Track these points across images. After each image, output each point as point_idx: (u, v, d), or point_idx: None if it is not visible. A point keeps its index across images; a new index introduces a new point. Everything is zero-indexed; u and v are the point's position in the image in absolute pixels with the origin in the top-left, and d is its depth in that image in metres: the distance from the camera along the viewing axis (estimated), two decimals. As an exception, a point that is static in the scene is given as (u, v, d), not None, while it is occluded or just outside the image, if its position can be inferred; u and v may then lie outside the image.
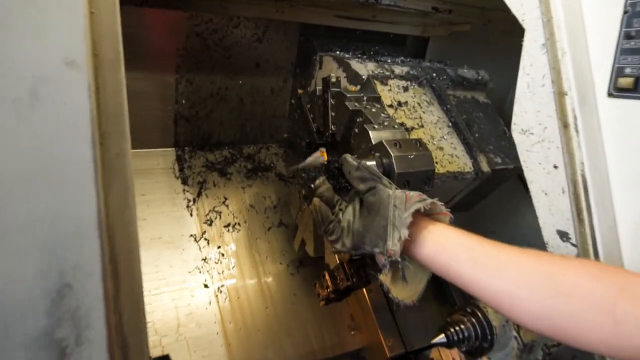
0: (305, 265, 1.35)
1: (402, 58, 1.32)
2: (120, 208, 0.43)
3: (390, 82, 1.13)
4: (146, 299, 1.14)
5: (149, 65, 1.21)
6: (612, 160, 0.69)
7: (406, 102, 1.11)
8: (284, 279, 1.31)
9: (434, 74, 1.22)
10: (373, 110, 0.97)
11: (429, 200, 0.69)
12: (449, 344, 1.02)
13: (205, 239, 1.27)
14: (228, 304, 1.21)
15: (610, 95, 0.68)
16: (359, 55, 1.26)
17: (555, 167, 0.76)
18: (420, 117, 1.10)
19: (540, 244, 1.58)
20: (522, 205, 1.63)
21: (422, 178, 0.85)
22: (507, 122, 1.32)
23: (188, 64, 1.25)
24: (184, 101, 1.29)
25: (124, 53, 1.14)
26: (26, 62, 0.38)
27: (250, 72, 1.34)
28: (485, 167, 1.11)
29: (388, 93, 1.10)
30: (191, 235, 1.26)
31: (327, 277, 0.97)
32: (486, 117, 1.26)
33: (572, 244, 0.75)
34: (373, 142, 0.89)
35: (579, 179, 0.70)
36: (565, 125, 0.72)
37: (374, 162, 0.83)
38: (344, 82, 1.14)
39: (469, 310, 1.04)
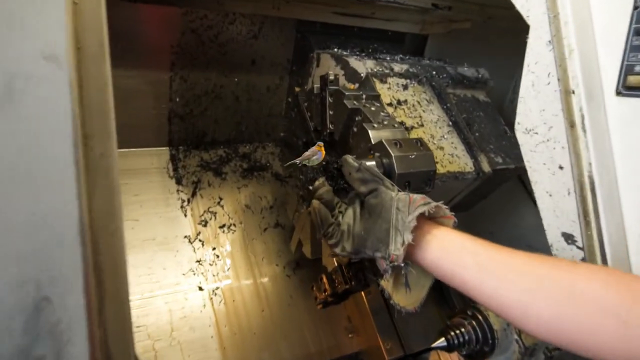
0: (302, 266, 1.32)
1: (401, 56, 1.30)
2: (105, 213, 0.40)
3: (390, 80, 1.10)
4: (139, 302, 1.12)
5: (142, 62, 1.18)
6: (620, 161, 0.67)
7: (406, 101, 1.09)
8: (281, 280, 1.29)
9: (434, 72, 1.20)
10: (372, 108, 0.95)
11: (434, 204, 0.67)
12: (449, 348, 1.00)
13: (200, 240, 1.25)
14: (223, 306, 1.18)
15: (619, 94, 0.65)
16: (357, 53, 1.23)
17: (561, 167, 0.74)
18: (420, 116, 1.08)
19: (539, 245, 1.57)
20: (521, 206, 1.62)
21: (423, 179, 0.83)
22: (507, 122, 1.31)
23: (182, 61, 1.22)
24: (178, 99, 1.26)
25: (117, 50, 1.12)
26: (0, 56, 0.35)
27: (246, 70, 1.31)
28: (486, 167, 1.09)
29: (387, 91, 1.08)
30: (185, 237, 1.24)
31: (324, 280, 0.94)
32: (486, 116, 1.24)
33: (578, 247, 0.72)
34: (372, 142, 0.86)
35: (586, 180, 0.68)
36: (571, 125, 0.69)
37: (373, 163, 0.80)
38: (342, 80, 1.11)
39: (469, 313, 1.02)
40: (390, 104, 1.06)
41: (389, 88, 1.09)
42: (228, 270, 1.24)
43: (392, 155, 0.80)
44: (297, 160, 0.92)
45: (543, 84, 0.75)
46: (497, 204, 1.50)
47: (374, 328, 1.20)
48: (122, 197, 1.20)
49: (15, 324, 0.33)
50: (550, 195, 0.76)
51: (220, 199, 1.32)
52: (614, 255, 0.66)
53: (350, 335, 1.28)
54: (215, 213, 1.30)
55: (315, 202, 0.78)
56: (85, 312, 0.36)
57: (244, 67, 1.30)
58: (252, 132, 1.43)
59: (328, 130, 0.99)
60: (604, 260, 0.67)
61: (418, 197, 0.67)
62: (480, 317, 1.00)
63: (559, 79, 0.70)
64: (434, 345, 0.99)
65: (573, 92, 0.69)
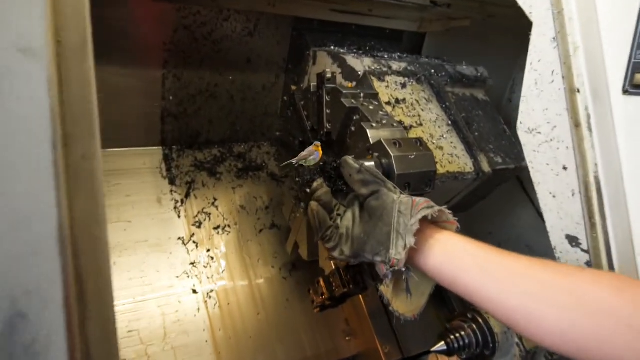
0: (299, 268, 1.30)
1: (399, 54, 1.28)
2: (87, 219, 0.37)
3: (388, 78, 1.08)
4: (131, 306, 1.09)
5: (134, 60, 1.15)
6: (626, 161, 0.65)
7: (404, 100, 1.06)
8: (277, 283, 1.26)
9: (433, 71, 1.18)
10: (370, 107, 0.92)
11: (437, 208, 0.65)
12: (449, 352, 0.98)
13: (194, 242, 1.22)
14: (218, 310, 1.15)
15: (625, 92, 0.64)
16: (355, 51, 1.21)
17: (565, 168, 0.72)
18: (419, 115, 1.06)
19: (538, 245, 1.57)
20: (519, 206, 1.61)
21: (423, 179, 0.81)
22: (506, 121, 1.29)
23: (176, 59, 1.19)
24: (171, 98, 1.23)
25: (108, 47, 1.09)
26: (-31, 49, 0.32)
27: (240, 68, 1.28)
28: (486, 167, 1.07)
29: (385, 90, 1.05)
30: (179, 238, 1.21)
31: (322, 283, 0.92)
32: (486, 115, 1.22)
33: (583, 250, 0.71)
34: (371, 142, 0.84)
35: (592, 180, 0.66)
36: (576, 125, 0.67)
37: (372, 163, 0.78)
38: (339, 79, 1.09)
39: (469, 316, 1.01)
40: (388, 103, 1.03)
41: (387, 86, 1.07)
42: (223, 272, 1.22)
43: (392, 155, 0.78)
44: (294, 161, 0.90)
45: (546, 82, 0.73)
46: (496, 204, 1.49)
47: (372, 331, 1.18)
48: (114, 198, 1.19)
49: (-14, 344, 0.31)
50: (554, 197, 0.74)
51: (215, 199, 1.30)
52: (621, 258, 0.65)
53: (347, 339, 1.26)
54: (210, 214, 1.27)
55: (313, 204, 0.75)
56: (65, 328, 0.34)
57: (239, 65, 1.28)
58: (247, 131, 1.40)
59: (325, 130, 0.97)
60: (610, 263, 0.65)
61: (421, 200, 0.65)
62: (480, 320, 0.99)
63: (563, 77, 0.68)
64: (434, 349, 0.97)
65: (578, 91, 0.67)
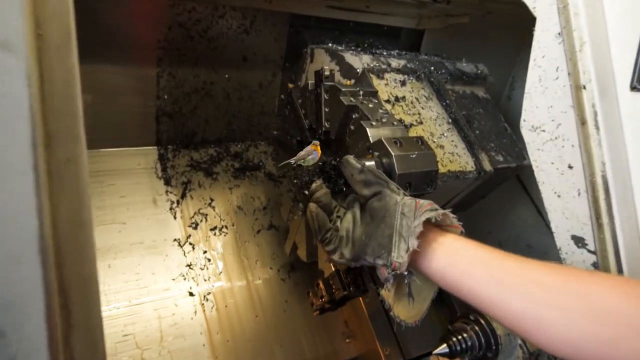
0: (297, 269, 1.28)
1: (398, 51, 1.26)
2: (72, 226, 0.34)
3: (387, 75, 1.06)
4: (126, 310, 1.06)
5: (127, 58, 1.13)
6: (635, 159, 0.63)
7: (404, 97, 1.04)
8: (275, 284, 1.24)
9: (432, 68, 1.16)
10: (370, 105, 0.90)
11: (441, 211, 0.63)
12: (451, 354, 0.96)
13: (190, 244, 1.20)
14: (215, 312, 1.13)
15: (633, 89, 0.62)
16: (353, 48, 1.19)
17: (570, 167, 0.70)
18: (419, 113, 1.04)
19: (538, 244, 1.55)
20: (519, 205, 1.59)
21: (425, 179, 0.79)
22: (506, 119, 1.27)
23: (170, 57, 1.16)
24: (166, 96, 1.21)
25: (100, 44, 1.07)
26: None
27: (237, 66, 1.26)
28: (487, 165, 1.05)
29: (385, 87, 1.03)
30: (175, 240, 1.18)
31: (321, 286, 0.90)
32: (486, 113, 1.21)
33: (589, 251, 0.69)
34: (371, 140, 0.82)
35: (599, 180, 0.64)
36: (582, 122, 0.66)
37: (372, 163, 0.76)
38: (337, 76, 1.07)
39: (471, 317, 0.99)
40: (387, 101, 1.01)
41: (387, 84, 1.05)
42: (220, 274, 1.19)
43: (392, 154, 0.76)
44: (292, 160, 0.88)
45: (551, 79, 0.71)
46: (496, 203, 1.47)
47: (372, 333, 1.16)
48: (108, 199, 1.16)
49: (-41, 366, 0.28)
50: (559, 196, 0.72)
51: (211, 200, 1.27)
52: (629, 259, 0.63)
53: (347, 341, 1.24)
54: (206, 215, 1.25)
55: (312, 206, 0.73)
56: (47, 344, 0.31)
57: (234, 63, 1.25)
58: (243, 130, 1.38)
59: (323, 129, 0.95)
60: (619, 265, 0.64)
61: (425, 203, 0.63)
62: (483, 322, 0.97)
63: (569, 74, 0.66)
64: (436, 351, 0.96)
65: (584, 88, 0.65)
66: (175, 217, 1.21)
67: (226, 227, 1.26)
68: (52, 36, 0.34)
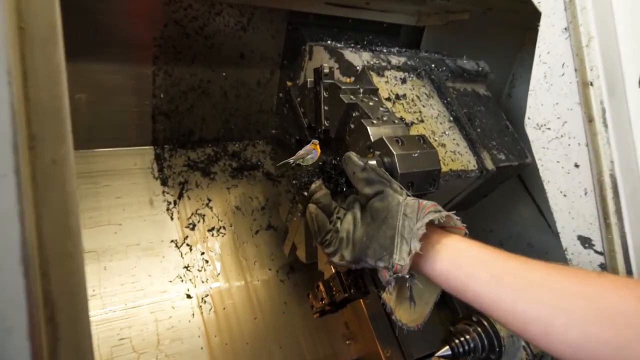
0: (297, 270, 1.26)
1: (398, 48, 1.24)
2: (58, 233, 0.32)
3: (387, 73, 1.04)
4: (122, 313, 1.04)
5: (122, 56, 1.10)
6: (644, 158, 0.61)
7: (404, 95, 1.03)
8: (274, 286, 1.22)
9: (433, 65, 1.14)
10: (370, 103, 0.88)
11: (445, 212, 0.61)
12: (454, 356, 0.95)
13: (188, 245, 1.17)
14: (213, 315, 1.11)
15: (642, 85, 0.60)
16: (353, 45, 1.17)
17: (577, 165, 0.68)
18: (420, 111, 1.02)
19: (539, 243, 1.53)
20: (520, 204, 1.58)
21: (427, 179, 0.77)
22: (507, 117, 1.26)
23: (166, 55, 1.14)
24: (162, 95, 1.19)
25: (95, 42, 1.04)
26: None
27: (234, 64, 1.24)
28: (489, 164, 1.04)
29: (385, 85, 1.02)
30: (172, 241, 1.16)
31: (321, 288, 0.88)
32: (487, 111, 1.19)
33: (596, 251, 0.67)
34: (372, 139, 0.80)
35: (607, 179, 0.62)
36: (590, 119, 0.64)
37: (374, 162, 0.74)
38: (336, 74, 1.05)
39: (474, 319, 0.98)
40: (388, 99, 1.00)
41: (387, 82, 1.03)
42: (218, 275, 1.17)
43: (394, 153, 0.74)
44: (291, 160, 0.86)
45: (557, 75, 0.69)
46: (497, 202, 1.46)
47: (373, 334, 1.15)
48: (104, 200, 1.14)
49: None
50: (565, 196, 0.71)
51: (209, 200, 1.25)
52: (639, 260, 0.61)
53: (347, 342, 1.22)
54: (204, 215, 1.23)
55: (311, 207, 0.71)
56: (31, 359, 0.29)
57: (232, 61, 1.23)
58: (241, 129, 1.36)
59: (323, 127, 0.93)
60: (628, 266, 0.62)
61: (428, 204, 0.61)
62: (485, 323, 0.96)
63: (575, 70, 0.65)
64: (438, 354, 0.94)
65: (591, 84, 0.63)
66: (172, 218, 1.19)
67: (224, 227, 1.24)
68: (36, 30, 0.32)
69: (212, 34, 1.16)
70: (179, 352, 1.03)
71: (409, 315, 0.67)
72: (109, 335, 0.99)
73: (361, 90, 0.91)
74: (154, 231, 1.16)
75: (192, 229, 1.20)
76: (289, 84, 1.10)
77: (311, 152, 0.85)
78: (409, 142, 0.78)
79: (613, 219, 0.62)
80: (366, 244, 0.65)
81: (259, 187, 1.34)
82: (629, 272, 0.61)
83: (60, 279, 0.32)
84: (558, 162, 0.71)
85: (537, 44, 0.72)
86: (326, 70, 0.92)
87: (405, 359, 1.14)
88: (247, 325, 1.14)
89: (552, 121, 0.71)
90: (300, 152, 0.85)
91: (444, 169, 0.95)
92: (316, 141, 0.86)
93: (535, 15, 0.73)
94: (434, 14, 1.39)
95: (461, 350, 0.94)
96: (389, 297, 0.67)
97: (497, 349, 0.93)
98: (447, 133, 1.02)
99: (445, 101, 1.09)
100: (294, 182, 0.82)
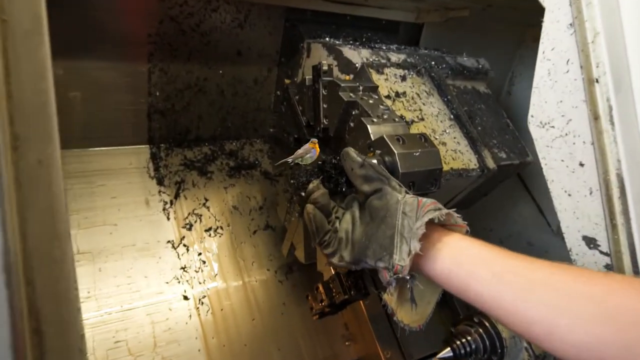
0: (295, 270, 1.24)
1: (397, 45, 1.22)
2: (44, 238, 0.30)
3: (387, 70, 1.03)
4: (118, 315, 1.02)
5: (117, 53, 1.08)
6: (651, 157, 0.60)
7: (404, 93, 1.01)
8: (272, 286, 1.21)
9: (433, 62, 1.12)
10: (370, 101, 0.87)
11: (445, 210, 0.60)
12: (455, 358, 0.93)
13: (184, 245, 1.16)
14: (210, 316, 1.09)
15: (650, 81, 0.59)
16: (351, 42, 1.15)
17: (582, 164, 0.67)
18: (420, 109, 1.01)
19: (539, 242, 1.52)
20: (520, 203, 1.57)
21: (428, 178, 0.76)
22: (507, 115, 1.24)
23: (162, 52, 1.12)
24: (157, 93, 1.17)
25: (89, 39, 1.02)
26: None
27: (231, 61, 1.22)
28: (490, 163, 1.02)
29: (384, 83, 1.00)
30: (168, 242, 1.15)
31: (321, 289, 0.87)
32: (488, 108, 1.18)
33: (602, 252, 0.66)
34: (372, 138, 0.78)
35: (613, 178, 0.61)
36: (595, 117, 0.62)
37: (375, 161, 0.72)
38: (335, 71, 1.03)
39: (475, 320, 0.96)
40: (388, 97, 0.98)
41: (387, 79, 1.01)
42: (215, 276, 1.16)
43: (395, 152, 0.72)
44: (290, 159, 0.84)
45: (561, 72, 0.68)
46: (497, 200, 1.44)
47: (373, 335, 1.13)
48: (99, 200, 1.12)
49: None
50: (569, 195, 0.69)
51: (206, 200, 1.24)
52: (646, 261, 0.60)
53: (347, 343, 1.21)
54: (201, 215, 1.21)
55: (309, 207, 0.69)
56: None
57: (229, 58, 1.21)
58: (238, 127, 1.34)
59: (322, 126, 0.91)
60: (635, 267, 0.61)
61: (428, 201, 0.60)
62: (487, 324, 0.94)
63: (581, 66, 0.63)
64: (440, 355, 0.93)
65: (597, 81, 0.62)
66: (168, 218, 1.17)
67: (221, 227, 1.22)
68: (18, 22, 0.30)
69: (209, 30, 1.14)
70: (176, 355, 1.02)
71: (410, 315, 0.65)
72: (105, 338, 0.97)
73: (361, 87, 0.90)
74: (150, 231, 1.14)
75: (189, 229, 1.18)
76: (286, 81, 1.08)
77: (310, 151, 0.84)
78: (410, 140, 0.76)
79: (619, 219, 0.61)
80: (365, 244, 0.64)
81: (257, 186, 1.32)
82: (636, 273, 0.60)
83: (47, 288, 0.30)
84: (562, 160, 0.70)
85: (541, 40, 0.70)
86: (325, 68, 0.90)
87: (405, 360, 1.12)
88: (245, 327, 1.12)
89: (556, 119, 0.69)
90: (299, 151, 0.84)
91: (445, 168, 0.93)
92: (315, 140, 0.84)
93: (535, 11, 0.72)
94: (433, 11, 1.38)
95: (463, 351, 0.92)
96: (390, 298, 0.65)
97: (499, 350, 0.92)
98: (447, 131, 1.00)
99: (445, 99, 1.07)
100: (292, 181, 0.80)
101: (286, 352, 1.13)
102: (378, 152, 0.75)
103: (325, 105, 0.90)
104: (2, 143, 0.28)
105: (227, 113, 1.29)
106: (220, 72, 1.22)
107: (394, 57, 1.07)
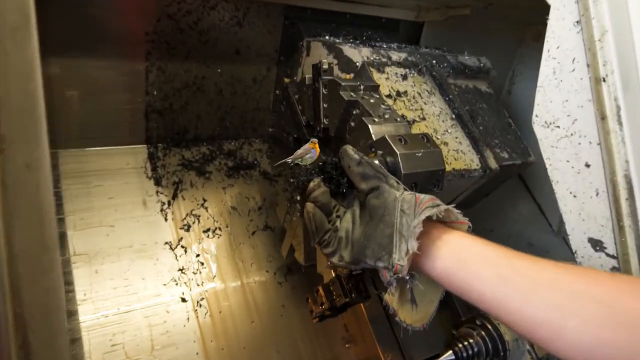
0: (295, 272, 1.23)
1: (398, 44, 1.21)
2: (32, 246, 0.28)
3: (387, 69, 1.01)
4: (115, 318, 1.01)
5: (114, 51, 1.07)
6: (659, 157, 0.59)
7: (405, 92, 1.00)
8: (271, 288, 1.19)
9: (434, 61, 1.11)
10: (371, 100, 0.85)
11: (443, 207, 0.58)
12: (457, 361, 0.92)
13: (182, 247, 1.14)
14: (209, 319, 1.08)
15: (659, 80, 0.57)
16: (351, 41, 1.14)
17: (588, 165, 0.65)
18: (422, 109, 0.99)
19: (540, 242, 1.51)
20: (520, 202, 1.56)
21: (431, 179, 0.74)
22: (509, 114, 1.23)
23: (159, 50, 1.10)
24: (155, 92, 1.15)
25: (86, 37, 1.00)
26: None
27: (229, 60, 1.20)
28: (492, 163, 1.01)
29: (385, 82, 0.99)
30: (166, 243, 1.13)
31: (321, 292, 0.85)
32: (490, 108, 1.16)
33: (608, 254, 0.65)
34: (374, 138, 0.77)
35: (621, 179, 0.60)
36: (602, 117, 0.61)
37: (376, 162, 0.71)
38: (335, 70, 1.02)
39: (477, 322, 0.95)
40: (389, 96, 0.97)
41: (387, 78, 1.00)
42: (214, 278, 1.14)
43: (397, 153, 0.71)
44: (289, 159, 0.83)
45: (567, 71, 0.66)
46: (498, 201, 1.43)
47: (373, 337, 1.12)
48: (96, 201, 1.10)
49: None
50: (575, 197, 0.68)
51: (204, 200, 1.22)
52: (655, 264, 0.59)
53: (347, 346, 1.19)
54: (199, 216, 1.20)
55: (309, 206, 0.68)
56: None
57: (227, 56, 1.20)
58: (237, 127, 1.32)
59: (322, 125, 0.90)
60: (643, 271, 0.59)
61: (425, 198, 0.58)
62: (489, 327, 0.93)
63: (587, 65, 0.62)
64: (441, 358, 0.91)
65: (604, 80, 0.60)
66: (166, 219, 1.16)
67: (220, 228, 1.21)
68: (5, 20, 0.28)
69: (207, 28, 1.13)
70: (174, 358, 1.00)
71: (412, 316, 0.64)
72: (101, 341, 0.96)
73: (361, 87, 0.88)
74: (148, 233, 1.12)
75: (187, 230, 1.17)
76: (286, 80, 1.07)
77: (310, 151, 0.82)
78: (413, 140, 0.75)
79: (627, 221, 0.59)
80: (365, 244, 0.62)
81: (256, 186, 1.31)
82: (645, 276, 0.59)
83: (35, 299, 0.28)
84: (568, 161, 0.68)
85: (546, 39, 0.69)
86: (325, 66, 0.88)
87: (406, 362, 1.11)
88: (243, 329, 1.11)
89: (561, 119, 0.68)
90: (299, 151, 0.82)
91: (447, 168, 0.91)
92: (315, 140, 0.83)
93: (536, 10, 0.71)
94: (433, 9, 1.36)
95: (465, 354, 0.91)
96: (391, 298, 0.64)
97: (502, 353, 0.91)
98: (449, 131, 0.99)
99: (447, 98, 1.06)
100: (291, 180, 0.79)
101: (285, 355, 1.12)
102: (380, 152, 0.74)
103: (325, 105, 0.89)
104: (-14, 145, 0.26)
105: (226, 112, 1.28)
106: (219, 70, 1.20)
107: (395, 56, 1.05)
